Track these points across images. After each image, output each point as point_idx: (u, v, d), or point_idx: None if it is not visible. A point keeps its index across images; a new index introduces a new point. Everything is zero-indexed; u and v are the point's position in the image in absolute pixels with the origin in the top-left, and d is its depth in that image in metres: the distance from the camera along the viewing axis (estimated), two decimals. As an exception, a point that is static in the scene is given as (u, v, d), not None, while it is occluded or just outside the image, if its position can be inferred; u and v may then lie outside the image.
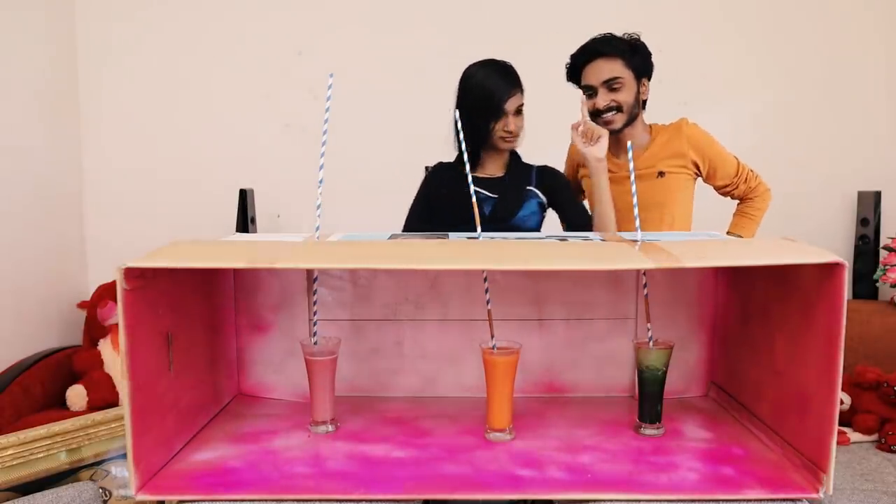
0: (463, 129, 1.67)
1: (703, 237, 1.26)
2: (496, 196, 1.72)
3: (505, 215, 1.71)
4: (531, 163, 1.79)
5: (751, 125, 2.69)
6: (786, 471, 0.96)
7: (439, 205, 1.77)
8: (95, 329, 2.33)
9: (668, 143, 1.89)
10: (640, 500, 0.91)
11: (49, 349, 2.32)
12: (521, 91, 1.69)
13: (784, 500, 0.90)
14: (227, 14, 2.73)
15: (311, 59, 2.74)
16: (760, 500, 0.90)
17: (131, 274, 0.87)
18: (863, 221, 2.55)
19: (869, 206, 2.55)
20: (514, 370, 1.08)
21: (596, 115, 1.82)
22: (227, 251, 0.99)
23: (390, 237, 1.17)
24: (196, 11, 2.72)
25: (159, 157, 2.76)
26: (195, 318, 1.12)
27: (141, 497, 0.91)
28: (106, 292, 2.34)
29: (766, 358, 1.08)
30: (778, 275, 1.03)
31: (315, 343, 1.12)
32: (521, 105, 1.69)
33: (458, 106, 1.68)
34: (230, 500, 0.91)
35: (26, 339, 2.33)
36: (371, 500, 0.91)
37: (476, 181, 1.73)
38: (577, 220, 1.76)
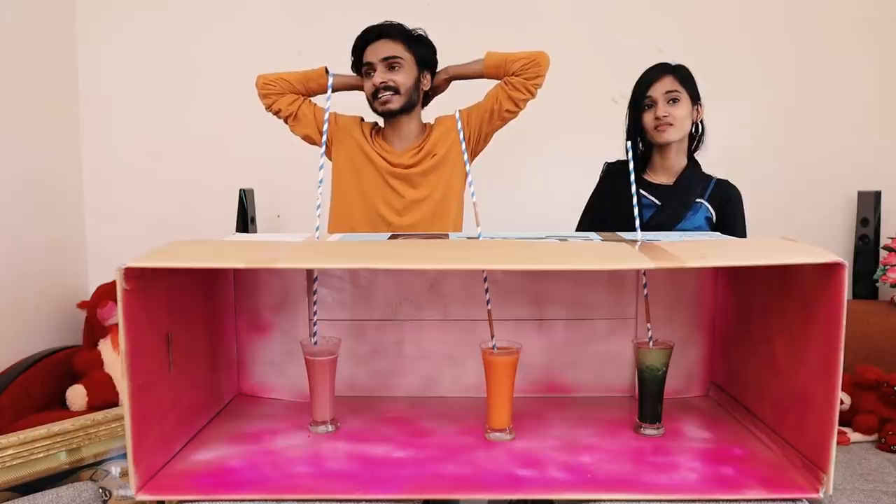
0: (632, 129, 1.71)
1: (703, 237, 1.26)
2: (659, 203, 1.67)
3: (663, 224, 1.63)
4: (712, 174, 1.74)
5: (751, 125, 2.69)
6: (786, 471, 0.96)
7: (607, 203, 1.74)
8: (95, 329, 2.33)
9: (447, 133, 1.84)
10: (640, 500, 0.91)
11: (49, 349, 2.32)
12: (677, 78, 1.65)
13: (784, 500, 0.90)
14: (227, 14, 2.73)
15: (311, 59, 2.73)
16: (760, 500, 0.90)
17: (131, 274, 0.87)
18: (863, 221, 2.55)
19: (869, 206, 2.55)
20: (514, 370, 1.08)
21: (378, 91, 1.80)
22: (227, 251, 0.99)
23: (390, 237, 1.16)
24: (196, 11, 2.72)
25: (159, 157, 2.76)
26: (195, 319, 1.12)
27: (141, 497, 0.91)
28: (106, 292, 2.34)
29: (766, 358, 1.07)
30: (778, 275, 1.03)
31: (315, 343, 1.12)
32: (675, 91, 1.64)
33: (629, 108, 1.72)
34: (230, 500, 0.91)
35: (26, 339, 2.33)
36: (371, 500, 0.91)
37: (644, 185, 1.70)
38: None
